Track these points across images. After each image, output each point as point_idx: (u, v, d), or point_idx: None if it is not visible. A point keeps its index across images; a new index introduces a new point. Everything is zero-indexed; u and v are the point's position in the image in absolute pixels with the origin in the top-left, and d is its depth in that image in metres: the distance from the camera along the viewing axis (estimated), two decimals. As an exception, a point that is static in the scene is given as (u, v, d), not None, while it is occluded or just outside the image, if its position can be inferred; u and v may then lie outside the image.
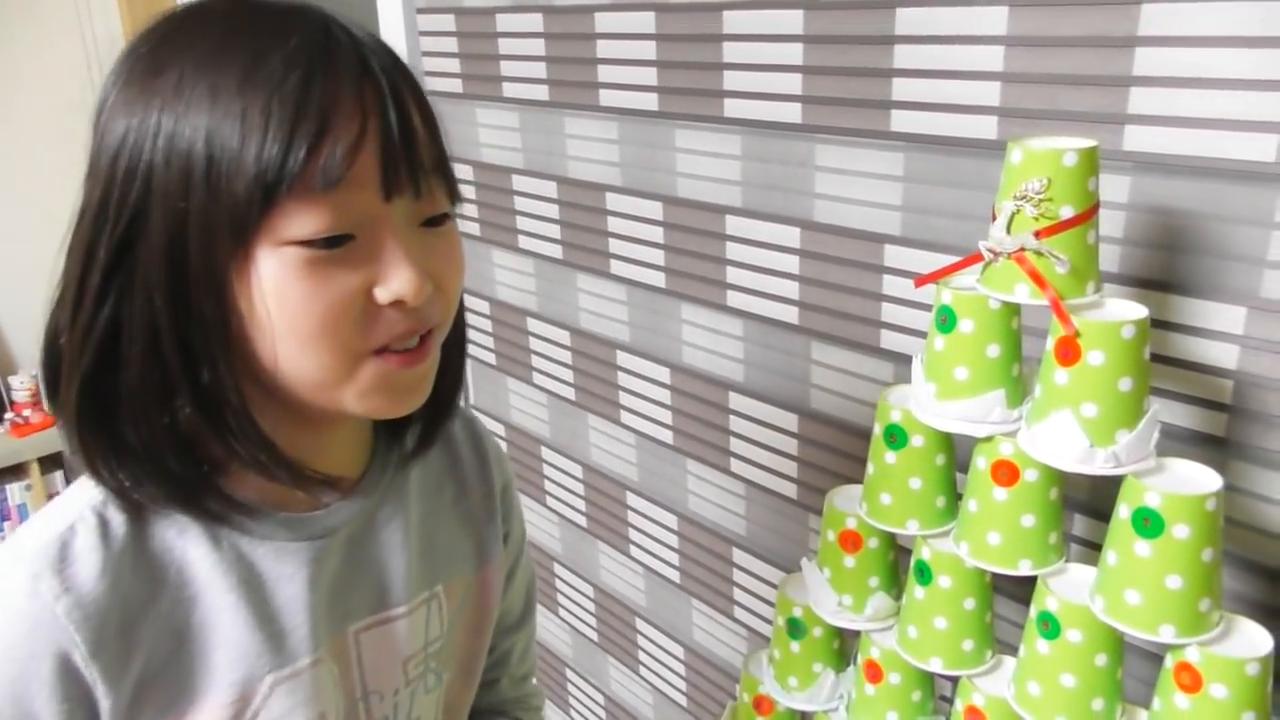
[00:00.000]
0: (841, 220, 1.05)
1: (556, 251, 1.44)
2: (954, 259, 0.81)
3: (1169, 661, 0.72)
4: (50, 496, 2.77)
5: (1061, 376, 0.72)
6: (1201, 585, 0.69)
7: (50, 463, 2.94)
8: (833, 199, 1.05)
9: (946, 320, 0.78)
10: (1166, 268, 0.82)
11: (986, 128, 0.90)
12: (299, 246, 0.55)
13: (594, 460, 1.50)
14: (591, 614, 1.62)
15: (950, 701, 0.89)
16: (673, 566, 1.42)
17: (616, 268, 1.34)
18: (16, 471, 2.91)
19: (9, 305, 2.94)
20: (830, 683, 0.97)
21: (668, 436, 1.35)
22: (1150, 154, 0.80)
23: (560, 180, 1.39)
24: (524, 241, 1.49)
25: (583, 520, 1.57)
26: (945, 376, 0.79)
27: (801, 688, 0.97)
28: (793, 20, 1.02)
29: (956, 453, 0.86)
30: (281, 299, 0.56)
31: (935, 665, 0.85)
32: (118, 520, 0.60)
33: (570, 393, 1.50)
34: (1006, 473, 0.78)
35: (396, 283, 0.57)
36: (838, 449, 1.13)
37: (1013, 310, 0.77)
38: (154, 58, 0.57)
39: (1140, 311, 0.71)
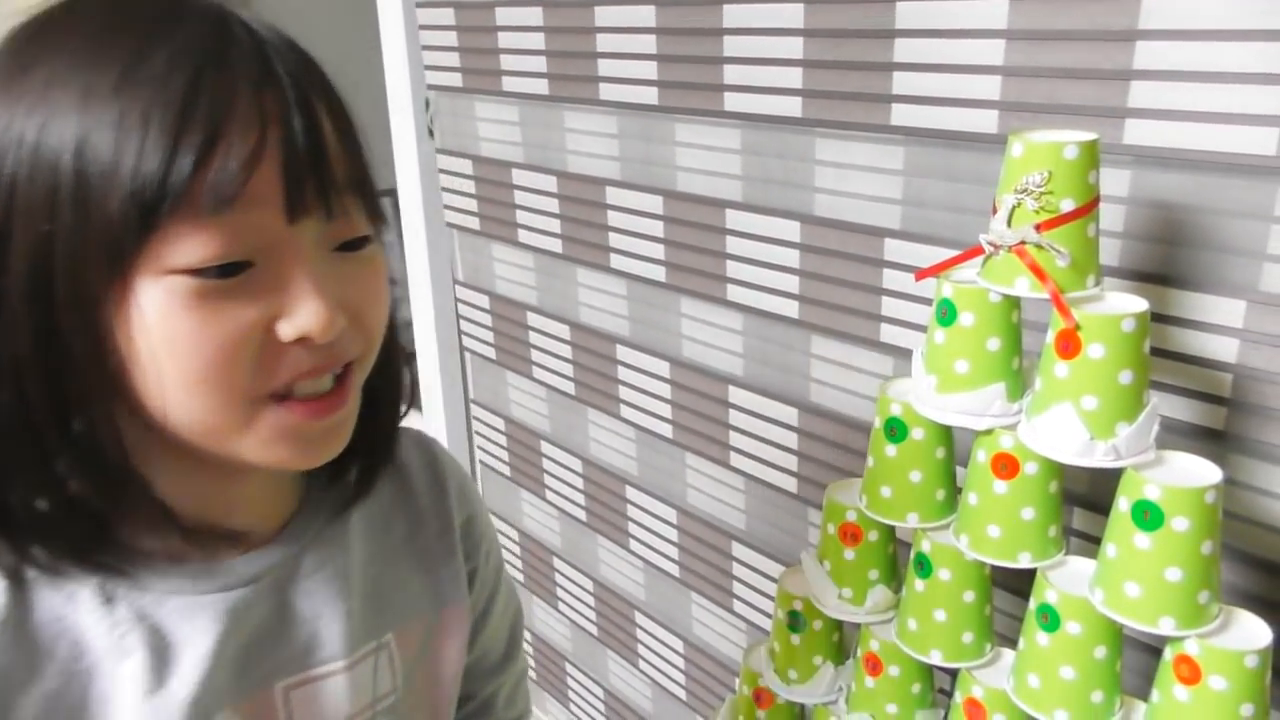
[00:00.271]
0: (841, 214, 1.05)
1: (556, 246, 1.44)
2: (954, 253, 0.81)
3: (1168, 654, 0.72)
4: None
5: (1062, 369, 0.72)
6: (1201, 578, 0.69)
7: None
8: (833, 193, 1.05)
9: (947, 313, 0.78)
10: (1166, 261, 0.82)
11: (987, 122, 0.90)
12: (186, 275, 0.48)
13: (593, 454, 1.50)
14: (591, 608, 1.62)
15: (949, 694, 0.89)
16: (672, 560, 1.42)
17: (616, 262, 1.34)
18: None
19: None
20: (830, 675, 0.97)
21: (667, 430, 1.35)
22: (1151, 147, 0.80)
23: (560, 174, 1.39)
24: (524, 236, 1.49)
25: (582, 514, 1.57)
26: (946, 370, 0.79)
27: (801, 680, 0.98)
28: (793, 14, 1.02)
29: (956, 446, 0.86)
30: (166, 336, 0.49)
31: (935, 658, 0.85)
32: None
33: (570, 387, 1.51)
34: (1006, 466, 0.78)
35: (302, 316, 0.50)
36: (837, 443, 1.13)
37: (1013, 303, 0.77)
38: (23, 53, 0.50)
39: (1141, 305, 0.71)
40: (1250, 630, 0.71)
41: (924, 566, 0.84)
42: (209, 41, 0.49)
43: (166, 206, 0.47)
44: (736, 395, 1.24)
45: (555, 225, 1.43)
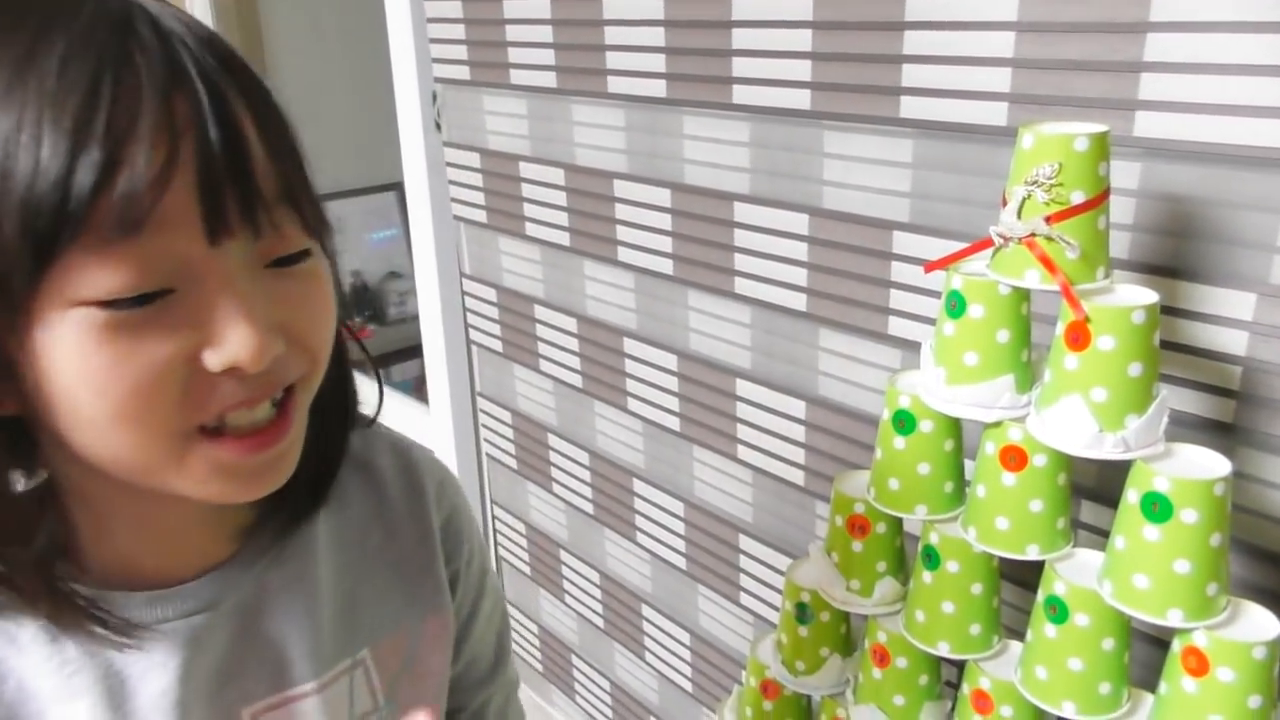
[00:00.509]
0: (850, 207, 1.05)
1: (564, 239, 1.44)
2: (962, 245, 0.81)
3: (1176, 645, 0.72)
4: None
5: (1071, 361, 0.72)
6: (1209, 570, 0.69)
7: None
8: (841, 185, 1.05)
9: (956, 305, 0.78)
10: (1176, 254, 0.82)
11: (996, 114, 0.90)
12: (96, 307, 0.43)
13: (601, 447, 1.51)
14: (598, 601, 1.63)
15: (957, 686, 0.89)
16: (679, 553, 1.42)
17: (624, 255, 1.35)
18: None
19: None
20: (837, 667, 0.97)
21: (675, 423, 1.35)
22: (1161, 139, 0.80)
23: (568, 167, 1.39)
24: (531, 229, 1.50)
25: (589, 507, 1.57)
26: (955, 362, 0.79)
27: (809, 672, 0.98)
28: (802, 6, 1.02)
29: (965, 438, 0.86)
30: (79, 372, 0.44)
31: (942, 649, 0.86)
32: None
33: (577, 380, 1.51)
34: (1015, 458, 0.78)
35: (230, 345, 0.45)
36: (845, 435, 1.13)
37: (1022, 295, 0.77)
38: None
39: (1150, 297, 0.71)
40: (1258, 622, 0.71)
41: (932, 558, 0.85)
42: (108, 40, 0.42)
43: (66, 235, 0.41)
44: (744, 388, 1.24)
45: (562, 218, 1.43)
